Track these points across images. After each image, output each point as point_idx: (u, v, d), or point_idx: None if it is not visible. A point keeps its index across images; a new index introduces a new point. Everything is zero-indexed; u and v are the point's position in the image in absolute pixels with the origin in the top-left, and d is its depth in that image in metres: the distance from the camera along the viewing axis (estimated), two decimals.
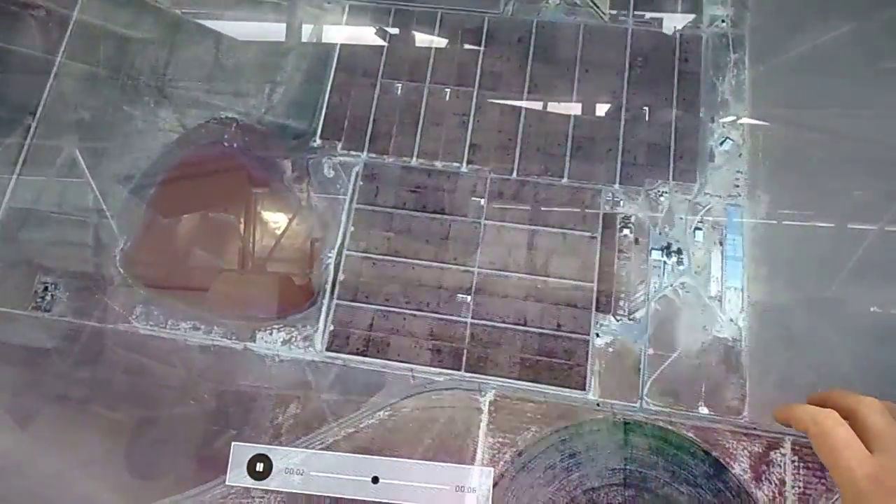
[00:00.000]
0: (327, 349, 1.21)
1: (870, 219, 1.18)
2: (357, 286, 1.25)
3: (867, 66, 1.22)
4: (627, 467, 1.14)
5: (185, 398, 0.93)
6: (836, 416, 0.54)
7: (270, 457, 0.82)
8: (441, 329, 1.23)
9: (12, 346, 0.94)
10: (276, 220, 1.23)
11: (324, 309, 1.22)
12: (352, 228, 1.28)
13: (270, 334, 1.20)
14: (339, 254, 1.25)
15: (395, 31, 1.23)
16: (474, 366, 1.22)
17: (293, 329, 1.20)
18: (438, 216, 1.29)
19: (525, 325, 1.24)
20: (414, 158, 1.33)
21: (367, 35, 1.16)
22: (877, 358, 1.12)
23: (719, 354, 1.20)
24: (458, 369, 1.22)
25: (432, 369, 1.21)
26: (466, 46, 1.32)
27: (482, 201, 1.30)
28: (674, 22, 1.38)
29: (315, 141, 1.31)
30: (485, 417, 1.16)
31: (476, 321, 1.23)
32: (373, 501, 0.86)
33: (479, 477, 0.99)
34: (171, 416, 0.90)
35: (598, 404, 1.17)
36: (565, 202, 1.31)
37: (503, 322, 1.24)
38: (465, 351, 1.22)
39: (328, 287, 1.25)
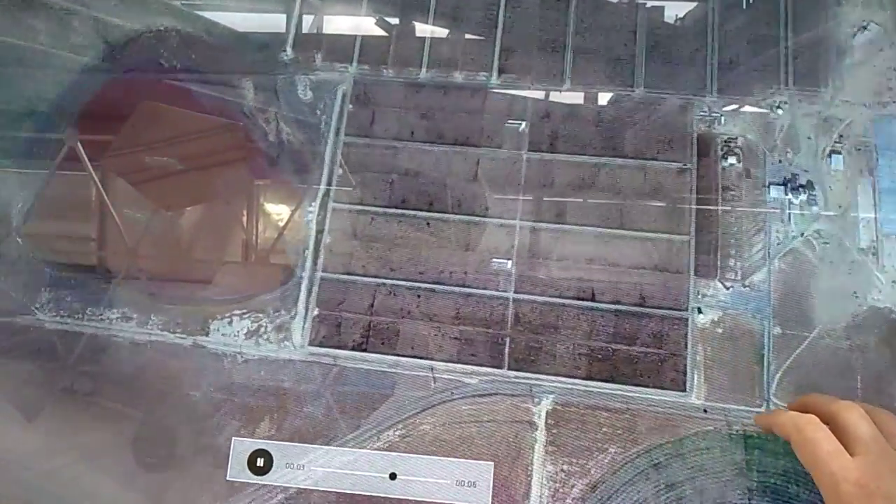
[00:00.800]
0: (311, 343, 0.96)
1: None
2: (350, 252, 0.99)
3: None
4: (752, 501, 0.85)
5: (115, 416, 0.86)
6: (816, 421, 0.55)
7: (270, 451, 0.79)
8: (472, 309, 0.96)
9: None
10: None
11: (304, 286, 0.98)
12: (339, 170, 1.01)
13: (230, 324, 0.98)
14: (323, 207, 1.00)
15: None
16: (522, 361, 0.95)
17: (261, 316, 0.97)
18: (461, 149, 1.01)
19: (593, 299, 0.96)
20: (423, 70, 1.04)
21: None
22: None
23: (879, 331, 0.91)
24: (499, 366, 0.94)
25: (461, 367, 0.94)
26: None
27: (522, 126, 1.02)
28: None
29: (286, 53, 1.05)
30: (541, 435, 0.90)
31: (522, 296, 0.96)
32: (385, 497, 0.79)
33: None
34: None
35: (704, 410, 0.90)
36: (642, 122, 1.01)
37: (560, 296, 0.96)
38: (507, 340, 0.95)
39: (308, 255, 0.99)
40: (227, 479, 0.80)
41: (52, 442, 0.87)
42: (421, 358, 0.94)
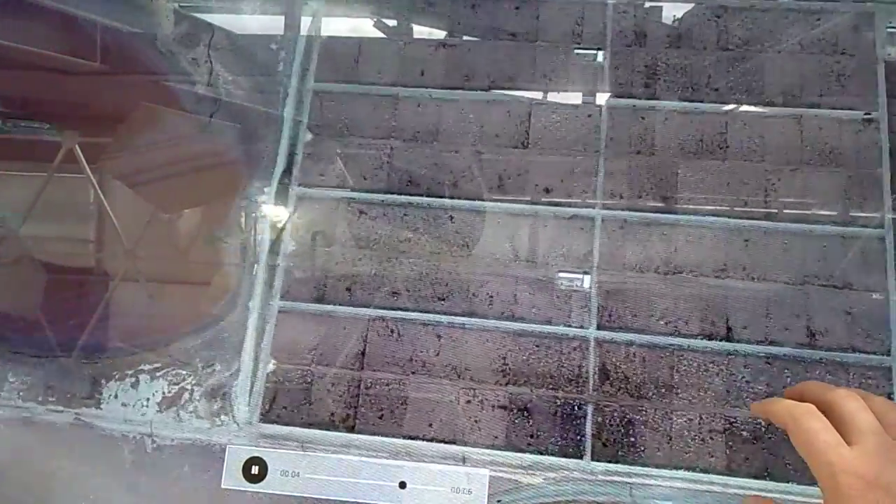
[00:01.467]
0: (263, 416, 0.77)
1: None
2: (326, 269, 0.81)
3: None
4: None
5: None
6: (813, 409, 0.53)
7: (265, 458, 0.75)
8: (529, 357, 0.73)
9: None
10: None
11: (251, 323, 0.78)
12: (308, 136, 0.84)
13: (133, 387, 0.80)
14: (283, 194, 0.85)
15: None
16: (615, 445, 0.70)
17: (184, 373, 0.80)
18: (501, 96, 0.80)
19: (728, 337, 0.71)
20: None
21: None
22: None
23: None
24: (578, 454, 0.70)
25: (513, 457, 0.71)
26: None
27: (599, 56, 0.79)
28: None
29: None
30: None
31: (609, 334, 0.73)
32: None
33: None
34: None
35: None
36: (793, 44, 0.77)
37: (675, 333, 0.72)
38: (588, 408, 0.71)
39: (259, 272, 0.82)
40: (223, 487, 0.77)
41: (50, 443, 0.84)
42: (446, 442, 0.74)
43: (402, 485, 0.74)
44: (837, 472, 0.50)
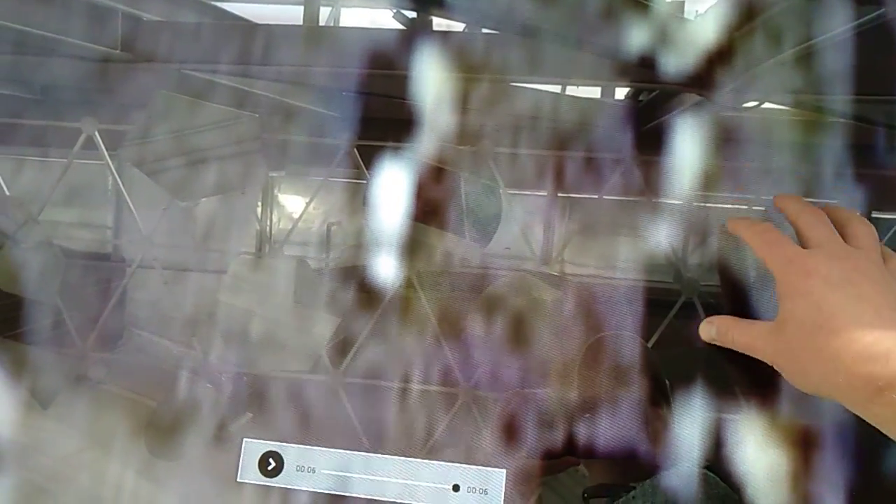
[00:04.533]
0: None
1: None
2: None
3: None
4: None
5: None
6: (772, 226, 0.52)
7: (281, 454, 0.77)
8: None
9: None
10: None
11: None
12: None
13: None
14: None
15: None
16: None
17: None
18: None
19: None
20: None
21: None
22: None
23: None
24: None
25: None
26: None
27: None
28: None
29: None
30: None
31: None
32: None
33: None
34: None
35: None
36: None
37: None
38: None
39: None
40: (238, 480, 0.77)
41: (67, 428, 0.93)
42: None
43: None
44: (787, 262, 0.50)
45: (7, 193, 1.05)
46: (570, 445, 0.76)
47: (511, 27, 0.83)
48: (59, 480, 0.91)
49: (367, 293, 0.89)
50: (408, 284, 0.89)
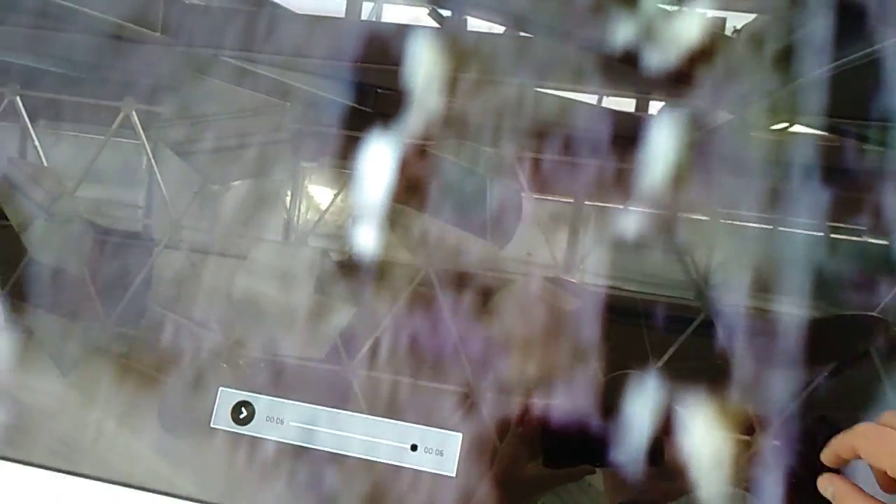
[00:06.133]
0: None
1: None
2: None
3: None
4: None
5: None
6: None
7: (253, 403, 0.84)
8: None
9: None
10: None
11: None
12: None
13: None
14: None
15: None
16: None
17: None
18: None
19: None
20: None
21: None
22: None
23: None
24: None
25: None
26: None
27: None
28: None
29: None
30: None
31: None
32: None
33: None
34: None
35: None
36: None
37: None
38: None
39: None
40: (211, 426, 0.83)
41: (86, 397, 0.95)
42: None
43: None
44: None
45: (45, 164, 1.07)
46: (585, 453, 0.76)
47: (541, 31, 0.85)
48: (71, 447, 0.92)
49: (386, 287, 0.90)
50: (425, 282, 0.89)
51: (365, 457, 0.81)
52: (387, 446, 0.80)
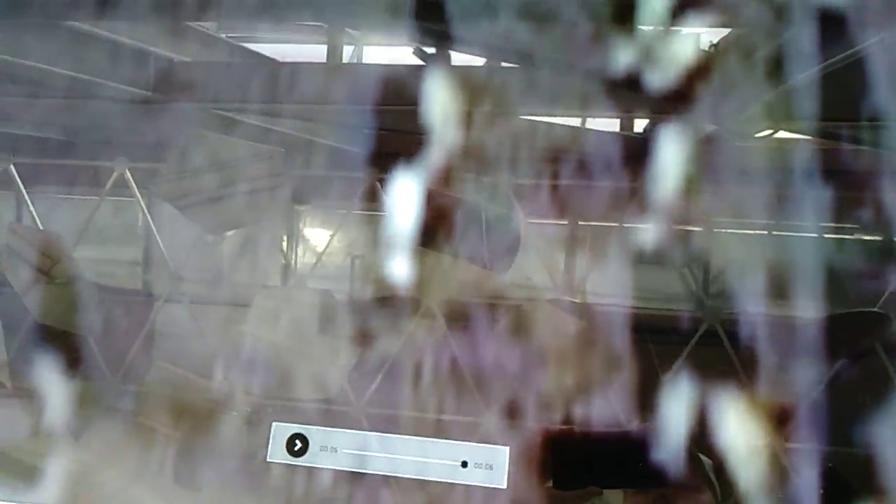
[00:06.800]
0: None
1: None
2: None
3: None
4: None
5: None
6: None
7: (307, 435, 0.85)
8: None
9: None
10: None
11: None
12: None
13: None
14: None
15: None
16: None
17: None
18: None
19: None
20: None
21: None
22: None
23: None
24: None
25: None
26: None
27: None
28: None
29: None
30: None
31: None
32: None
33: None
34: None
35: None
36: None
37: None
38: None
39: None
40: (268, 460, 0.85)
41: (97, 457, 0.94)
42: None
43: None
44: None
45: (42, 229, 1.07)
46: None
47: (517, 60, 0.86)
48: None
49: (390, 324, 0.90)
50: (428, 314, 0.89)
51: (418, 477, 0.83)
52: (438, 465, 0.82)
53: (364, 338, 0.92)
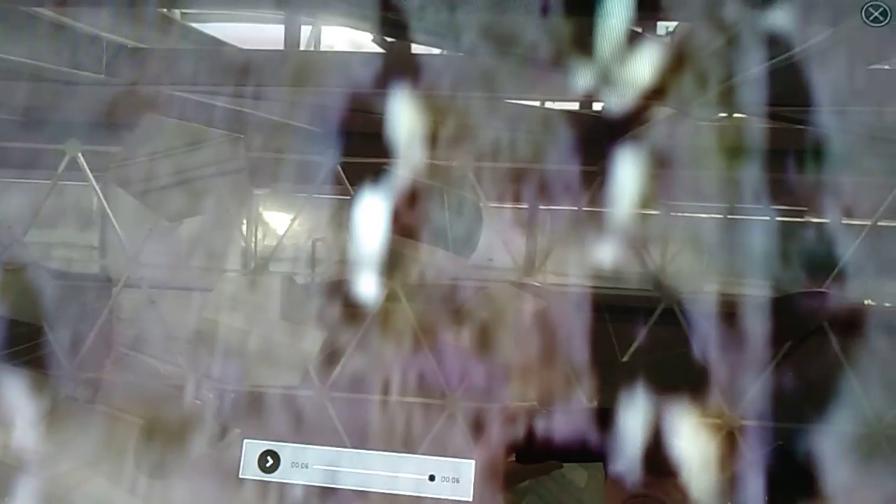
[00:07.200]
0: None
1: None
2: None
3: None
4: None
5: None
6: None
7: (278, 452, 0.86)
8: None
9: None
10: None
11: None
12: None
13: None
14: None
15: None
16: None
17: None
18: None
19: None
20: None
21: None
22: None
23: None
24: None
25: None
26: None
27: None
28: None
29: None
30: None
31: None
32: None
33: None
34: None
35: None
36: None
37: None
38: None
39: None
40: (240, 476, 0.86)
41: (57, 447, 0.94)
42: None
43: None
44: None
45: None
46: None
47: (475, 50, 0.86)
48: (52, 499, 0.92)
49: (353, 307, 0.90)
50: (392, 297, 0.89)
51: (388, 491, 0.84)
52: (407, 479, 0.84)
53: (327, 322, 0.91)
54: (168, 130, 0.99)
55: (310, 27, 1.15)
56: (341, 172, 0.95)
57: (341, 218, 0.95)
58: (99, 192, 1.03)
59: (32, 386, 0.95)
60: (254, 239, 1.18)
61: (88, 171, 1.00)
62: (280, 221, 1.15)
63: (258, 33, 1.13)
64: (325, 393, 0.89)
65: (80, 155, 0.99)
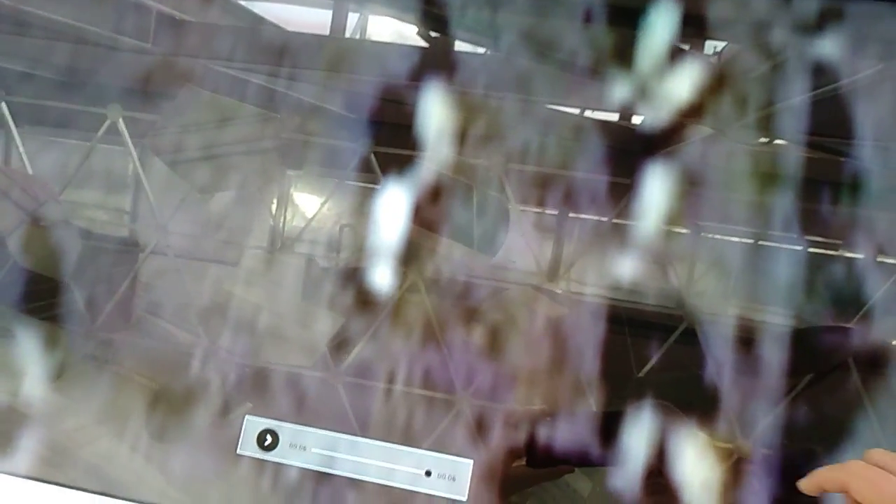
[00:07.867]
0: None
1: None
2: None
3: None
4: None
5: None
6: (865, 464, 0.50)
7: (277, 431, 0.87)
8: None
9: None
10: None
11: None
12: None
13: None
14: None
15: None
16: None
17: None
18: None
19: None
20: None
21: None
22: None
23: None
24: None
25: None
26: None
27: None
28: None
29: None
30: None
31: None
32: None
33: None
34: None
35: None
36: None
37: None
38: None
39: None
40: (238, 452, 0.86)
41: (73, 403, 0.95)
42: None
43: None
44: None
45: (31, 172, 1.07)
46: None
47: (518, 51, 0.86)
48: (62, 453, 0.93)
49: (373, 295, 0.90)
50: (412, 289, 0.89)
51: (383, 482, 0.84)
52: (403, 472, 0.83)
53: (345, 307, 0.92)
54: (206, 103, 1.01)
55: (357, 15, 1.15)
56: (374, 160, 0.96)
57: (369, 205, 0.94)
58: (136, 158, 1.03)
59: (51, 340, 0.97)
60: (282, 219, 1.17)
61: (128, 137, 1.01)
62: (310, 204, 1.15)
63: (304, 17, 1.12)
64: (339, 376, 0.90)
65: (120, 120, 1.00)
